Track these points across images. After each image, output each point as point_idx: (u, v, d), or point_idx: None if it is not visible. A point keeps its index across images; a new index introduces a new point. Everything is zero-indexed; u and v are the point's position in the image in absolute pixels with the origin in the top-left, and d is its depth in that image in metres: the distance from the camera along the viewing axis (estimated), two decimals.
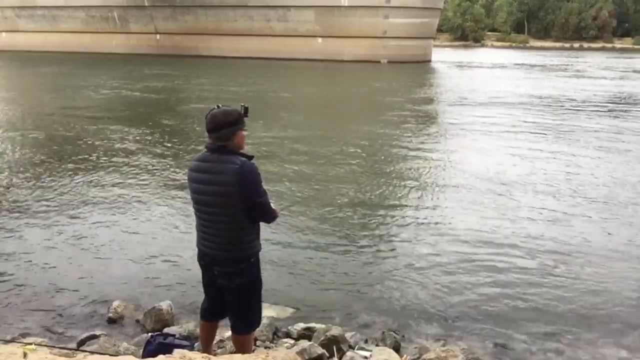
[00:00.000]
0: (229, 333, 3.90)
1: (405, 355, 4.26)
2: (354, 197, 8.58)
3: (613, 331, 4.79)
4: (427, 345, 4.42)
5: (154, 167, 10.31)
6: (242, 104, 3.25)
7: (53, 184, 9.11)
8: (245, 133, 3.25)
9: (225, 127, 3.15)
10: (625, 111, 18.81)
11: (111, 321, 4.80)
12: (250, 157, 3.19)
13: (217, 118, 3.16)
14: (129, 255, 6.23)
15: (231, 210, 3.14)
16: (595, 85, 27.62)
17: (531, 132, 14.35)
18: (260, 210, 3.23)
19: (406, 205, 8.32)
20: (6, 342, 3.83)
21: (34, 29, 54.48)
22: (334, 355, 4.08)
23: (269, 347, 4.11)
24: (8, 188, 8.86)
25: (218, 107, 3.22)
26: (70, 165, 10.37)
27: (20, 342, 3.80)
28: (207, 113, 3.19)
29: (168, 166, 10.42)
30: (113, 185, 9.03)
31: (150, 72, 32.09)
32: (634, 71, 38.57)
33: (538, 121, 16.22)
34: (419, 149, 12.31)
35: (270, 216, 3.30)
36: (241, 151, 3.22)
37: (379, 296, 5.35)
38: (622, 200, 8.54)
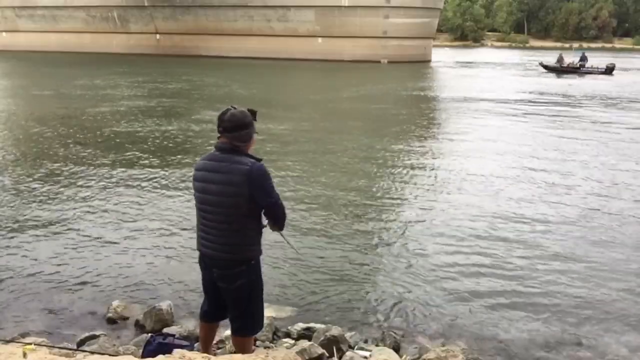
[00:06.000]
0: (228, 333, 3.90)
1: (405, 355, 4.26)
2: (353, 197, 8.58)
3: (613, 330, 4.79)
4: (427, 345, 4.42)
5: (153, 168, 10.30)
6: (250, 108, 3.24)
7: (51, 184, 9.11)
8: (255, 136, 3.26)
9: (245, 127, 3.16)
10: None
11: (111, 321, 4.80)
12: (260, 160, 3.18)
13: (238, 118, 3.15)
14: (129, 255, 6.23)
15: (237, 211, 3.12)
16: (593, 85, 27.78)
17: (528, 132, 14.38)
18: (274, 212, 3.20)
19: (406, 206, 8.31)
20: (6, 342, 3.83)
21: (34, 29, 54.48)
22: (333, 355, 4.07)
23: (269, 347, 4.11)
24: (6, 189, 8.86)
25: (234, 107, 3.20)
26: (68, 166, 10.36)
27: (20, 342, 3.80)
28: (222, 113, 3.17)
29: (168, 166, 10.41)
30: (112, 186, 9.03)
31: (150, 72, 32.18)
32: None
33: (535, 122, 16.29)
34: (417, 150, 12.31)
35: (284, 219, 3.26)
36: (249, 153, 3.21)
37: (379, 296, 5.35)
38: (621, 200, 8.55)
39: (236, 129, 3.14)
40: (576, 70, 35.69)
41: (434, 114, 18.96)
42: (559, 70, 36.21)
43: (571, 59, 37.95)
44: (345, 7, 43.73)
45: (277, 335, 4.53)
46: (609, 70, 34.47)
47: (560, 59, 37.35)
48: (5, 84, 26.44)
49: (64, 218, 7.43)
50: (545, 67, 37.18)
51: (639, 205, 8.31)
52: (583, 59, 36.85)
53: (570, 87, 27.28)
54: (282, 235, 3.42)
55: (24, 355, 3.02)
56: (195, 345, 3.95)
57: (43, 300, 5.17)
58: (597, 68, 35.00)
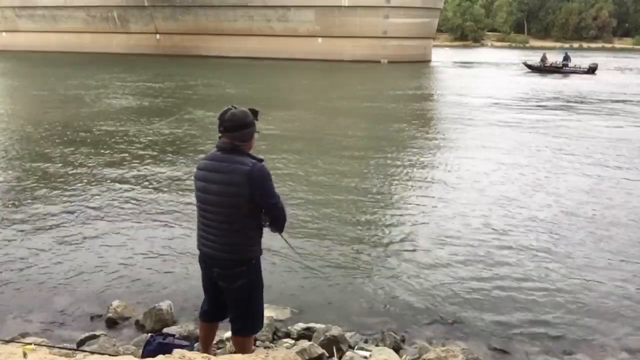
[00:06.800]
0: (228, 333, 3.90)
1: (405, 355, 4.25)
2: (354, 198, 8.58)
3: (613, 331, 4.79)
4: (427, 345, 4.41)
5: (151, 168, 10.31)
6: (251, 108, 3.23)
7: (48, 184, 9.11)
8: (256, 136, 3.25)
9: (246, 127, 3.15)
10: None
11: (111, 321, 4.80)
12: (261, 160, 3.18)
13: (238, 117, 3.14)
14: (129, 255, 6.23)
15: (237, 211, 3.12)
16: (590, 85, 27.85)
17: (527, 133, 14.39)
18: (275, 213, 3.20)
19: (405, 207, 8.32)
20: (6, 342, 3.83)
21: (34, 29, 54.50)
22: (333, 355, 4.07)
23: (269, 347, 4.11)
24: (3, 190, 8.86)
25: (235, 107, 3.19)
26: (69, 166, 10.36)
27: (20, 342, 3.80)
28: (222, 112, 3.16)
29: (167, 166, 10.42)
30: (113, 186, 9.03)
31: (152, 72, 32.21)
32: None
33: (533, 121, 16.30)
34: (415, 150, 12.32)
35: (284, 221, 3.26)
36: (251, 153, 3.21)
37: (379, 296, 5.35)
38: (620, 203, 8.55)
39: (237, 129, 3.14)
40: (559, 69, 36.05)
41: (432, 114, 18.97)
42: (542, 69, 36.56)
43: (554, 58, 38.33)
44: (345, 7, 43.73)
45: (277, 335, 4.53)
46: (591, 70, 34.84)
47: (543, 59, 37.77)
48: (3, 84, 26.43)
49: (62, 218, 7.42)
50: (529, 66, 37.54)
51: (636, 206, 8.32)
52: (566, 58, 37.35)
53: (564, 86, 27.46)
54: (282, 236, 3.42)
55: (24, 355, 3.01)
56: (195, 345, 3.95)
57: (43, 300, 5.17)
58: (580, 68, 35.38)
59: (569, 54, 39.21)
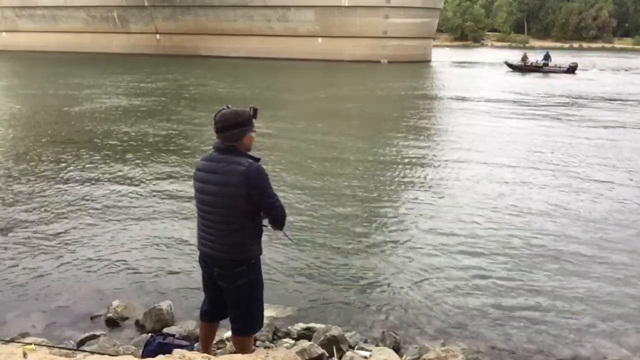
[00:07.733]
0: (228, 333, 3.90)
1: (405, 355, 4.25)
2: (354, 198, 8.58)
3: (614, 330, 4.79)
4: (427, 345, 4.41)
5: (154, 167, 10.31)
6: (252, 106, 3.23)
7: (51, 183, 9.10)
8: (254, 135, 3.24)
9: (235, 127, 3.14)
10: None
11: (111, 321, 4.80)
12: (258, 159, 3.18)
13: (227, 118, 3.14)
14: (129, 255, 6.23)
15: (235, 212, 3.12)
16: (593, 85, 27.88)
17: (527, 133, 14.39)
18: (274, 212, 3.19)
19: (405, 207, 8.31)
20: (6, 342, 3.83)
21: (34, 29, 54.54)
22: (333, 355, 4.07)
23: (269, 347, 4.11)
24: (2, 190, 8.86)
25: (228, 107, 3.20)
26: (69, 165, 10.36)
27: (20, 342, 3.80)
28: (216, 113, 3.17)
29: (169, 166, 10.41)
30: (112, 186, 9.03)
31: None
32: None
33: (533, 121, 16.31)
34: (413, 150, 12.31)
35: (284, 218, 3.25)
36: (249, 153, 3.21)
37: (379, 296, 5.35)
38: (621, 201, 8.56)
39: (226, 129, 3.14)
40: (539, 69, 36.44)
41: (425, 115, 18.90)
42: (523, 68, 36.98)
43: (535, 57, 38.78)
44: (345, 7, 43.75)
45: (277, 335, 4.53)
46: (571, 70, 35.28)
47: (524, 58, 38.24)
48: (3, 84, 26.42)
49: (62, 218, 7.42)
50: (510, 65, 37.94)
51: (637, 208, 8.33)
52: (546, 57, 37.88)
53: (548, 86, 27.60)
54: (284, 233, 3.41)
55: (24, 355, 3.02)
56: (195, 345, 3.95)
57: (43, 300, 5.17)
58: (560, 67, 35.81)
59: (549, 53, 39.86)
